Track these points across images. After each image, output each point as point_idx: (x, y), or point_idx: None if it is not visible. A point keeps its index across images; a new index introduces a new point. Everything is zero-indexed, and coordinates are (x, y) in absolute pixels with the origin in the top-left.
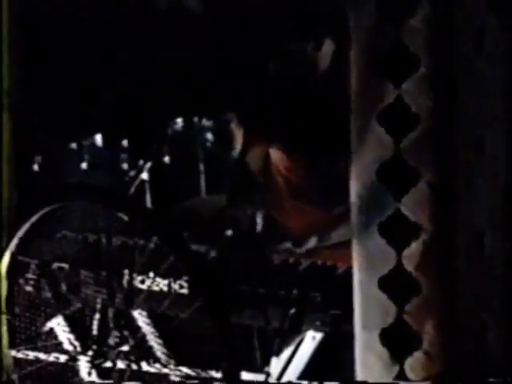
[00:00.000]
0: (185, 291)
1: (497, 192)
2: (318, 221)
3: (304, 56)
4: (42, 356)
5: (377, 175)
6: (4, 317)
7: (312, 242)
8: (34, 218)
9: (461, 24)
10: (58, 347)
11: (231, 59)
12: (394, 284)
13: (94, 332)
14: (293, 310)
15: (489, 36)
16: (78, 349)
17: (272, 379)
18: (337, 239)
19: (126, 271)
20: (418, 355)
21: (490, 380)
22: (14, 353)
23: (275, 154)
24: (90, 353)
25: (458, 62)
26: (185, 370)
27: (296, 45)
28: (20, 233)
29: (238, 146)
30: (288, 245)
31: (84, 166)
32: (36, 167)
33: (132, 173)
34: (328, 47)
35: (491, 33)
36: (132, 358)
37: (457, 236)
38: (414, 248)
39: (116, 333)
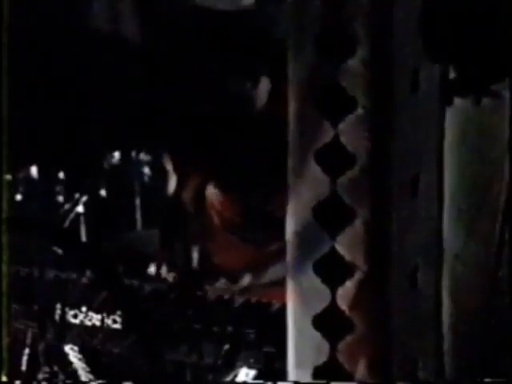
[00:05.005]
0: (118, 326)
1: (431, 230)
2: (253, 257)
3: (240, 93)
4: None
5: (313, 213)
6: None
7: (247, 279)
8: None
9: (397, 65)
10: None
11: (167, 93)
12: (327, 322)
13: (23, 367)
14: (227, 347)
15: (423, 76)
16: None
17: None
18: (272, 276)
19: (58, 305)
20: None
21: None
22: None
23: (209, 189)
24: None
25: (394, 103)
26: None
27: (233, 82)
28: None
29: (172, 181)
30: (223, 281)
31: (18, 197)
32: None
33: (67, 206)
34: (264, 85)
35: (426, 73)
36: None
37: (391, 274)
38: (348, 287)
39: (46, 368)
